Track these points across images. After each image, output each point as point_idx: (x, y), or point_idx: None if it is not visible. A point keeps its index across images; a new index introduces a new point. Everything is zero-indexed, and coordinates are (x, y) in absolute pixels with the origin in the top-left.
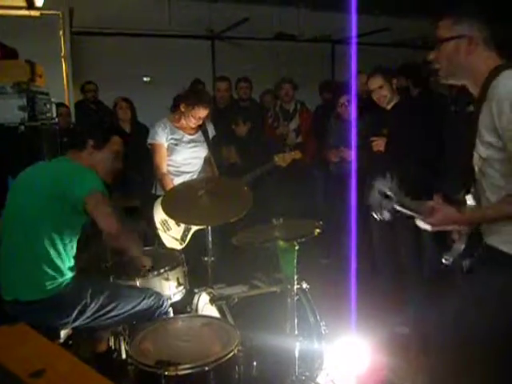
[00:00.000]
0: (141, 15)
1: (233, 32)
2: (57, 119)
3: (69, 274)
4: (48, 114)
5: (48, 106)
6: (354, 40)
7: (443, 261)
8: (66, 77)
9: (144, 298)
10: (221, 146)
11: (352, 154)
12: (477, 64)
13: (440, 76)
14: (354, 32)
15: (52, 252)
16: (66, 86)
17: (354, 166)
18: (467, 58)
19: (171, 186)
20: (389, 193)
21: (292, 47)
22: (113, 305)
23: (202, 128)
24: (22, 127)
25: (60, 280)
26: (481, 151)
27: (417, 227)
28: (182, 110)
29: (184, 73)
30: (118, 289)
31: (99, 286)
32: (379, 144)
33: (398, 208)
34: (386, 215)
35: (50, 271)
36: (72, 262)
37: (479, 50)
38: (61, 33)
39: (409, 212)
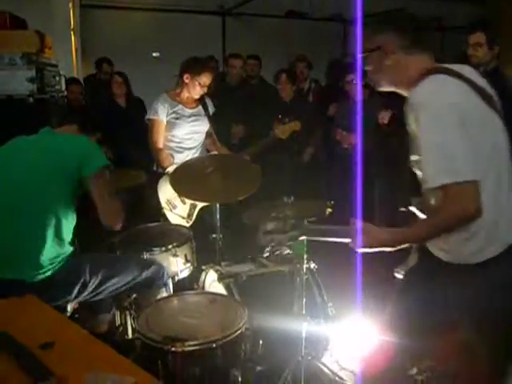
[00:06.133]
0: None
1: (244, 8)
2: (66, 92)
3: (69, 249)
4: (57, 87)
5: (57, 78)
6: (359, 18)
7: (395, 274)
8: (74, 51)
9: (143, 270)
10: (230, 123)
11: (355, 137)
12: (400, 71)
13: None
14: (358, 9)
15: (56, 228)
16: (74, 60)
17: (359, 148)
18: (387, 66)
19: (168, 160)
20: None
21: (303, 25)
22: (112, 279)
23: (201, 102)
24: (31, 99)
25: (64, 256)
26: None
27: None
28: (186, 81)
29: (193, 49)
30: (117, 262)
31: (97, 261)
32: (384, 117)
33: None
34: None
35: (55, 248)
36: (71, 236)
37: (398, 58)
38: (70, 5)
39: (322, 237)
